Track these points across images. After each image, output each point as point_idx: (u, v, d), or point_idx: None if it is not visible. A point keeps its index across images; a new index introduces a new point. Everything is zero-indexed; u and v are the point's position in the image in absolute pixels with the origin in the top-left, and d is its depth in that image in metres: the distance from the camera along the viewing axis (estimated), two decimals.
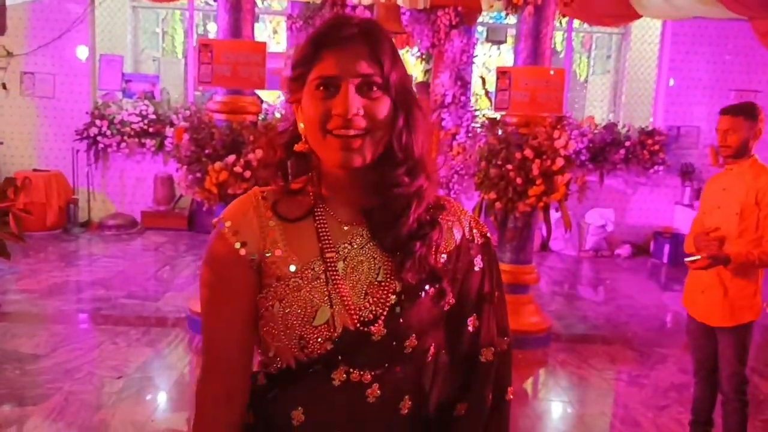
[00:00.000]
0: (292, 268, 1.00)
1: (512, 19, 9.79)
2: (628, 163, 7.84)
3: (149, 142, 7.55)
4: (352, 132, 0.95)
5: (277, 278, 1.00)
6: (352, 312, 0.98)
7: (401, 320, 0.99)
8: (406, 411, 1.03)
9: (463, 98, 7.64)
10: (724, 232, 2.72)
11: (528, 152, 4.09)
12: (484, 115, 8.23)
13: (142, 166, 7.77)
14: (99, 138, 7.47)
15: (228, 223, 1.03)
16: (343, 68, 0.95)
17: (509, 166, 4.11)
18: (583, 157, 7.41)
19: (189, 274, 5.90)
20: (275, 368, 1.02)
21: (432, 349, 1.05)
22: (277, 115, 7.65)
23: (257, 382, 1.06)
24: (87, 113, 7.55)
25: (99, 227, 7.49)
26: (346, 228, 1.03)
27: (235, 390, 1.04)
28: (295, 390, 1.01)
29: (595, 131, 7.80)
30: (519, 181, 4.11)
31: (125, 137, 7.48)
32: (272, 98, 8.77)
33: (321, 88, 0.96)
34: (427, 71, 8.65)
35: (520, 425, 3.31)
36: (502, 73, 4.27)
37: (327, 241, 1.01)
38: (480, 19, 8.01)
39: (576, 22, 8.16)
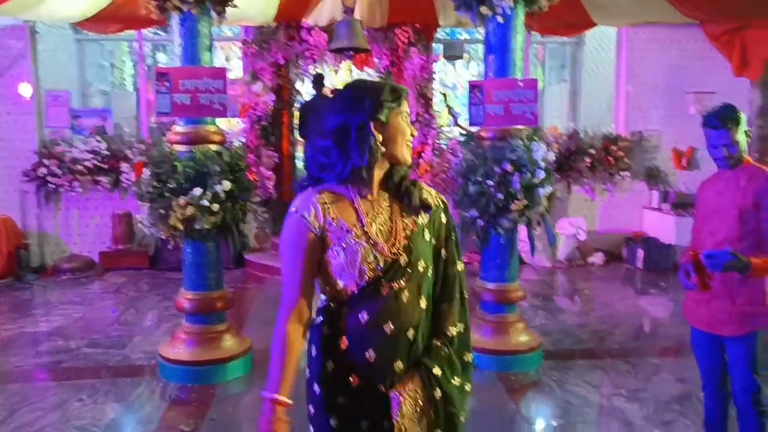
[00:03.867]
0: (346, 229, 1.64)
1: (467, 35, 9.88)
2: (594, 170, 7.84)
3: (104, 179, 7.20)
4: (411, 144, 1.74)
5: (338, 238, 1.64)
6: (386, 252, 1.65)
7: (414, 251, 1.68)
8: (424, 306, 1.71)
9: (426, 116, 7.55)
10: (722, 238, 2.62)
11: (507, 166, 3.95)
12: (457, 132, 8.19)
13: (97, 204, 7.40)
14: (49, 178, 7.09)
15: (300, 211, 1.67)
16: (409, 110, 1.73)
17: (489, 182, 3.96)
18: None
19: (155, 316, 5.57)
20: (345, 295, 1.67)
21: (430, 268, 1.73)
22: (236, 143, 7.40)
23: (331, 308, 1.71)
24: (34, 152, 7.16)
25: (54, 272, 7.08)
26: (372, 202, 1.69)
27: (301, 310, 1.68)
28: (359, 304, 1.65)
29: (560, 140, 7.78)
30: (500, 196, 3.97)
31: (77, 175, 7.12)
32: (229, 125, 8.52)
33: (407, 119, 1.70)
34: None
35: None
36: (474, 87, 4.14)
37: (362, 213, 1.67)
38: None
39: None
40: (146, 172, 3.84)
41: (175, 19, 3.91)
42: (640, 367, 4.26)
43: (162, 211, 3.80)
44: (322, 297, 1.73)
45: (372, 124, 1.62)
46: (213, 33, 4.01)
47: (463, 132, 8.21)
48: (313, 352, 1.70)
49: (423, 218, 1.72)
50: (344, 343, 1.66)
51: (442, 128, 8.05)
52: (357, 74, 10.78)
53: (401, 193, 1.70)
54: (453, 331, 1.73)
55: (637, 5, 6.65)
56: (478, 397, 3.37)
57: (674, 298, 6.45)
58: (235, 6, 4.13)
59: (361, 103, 1.62)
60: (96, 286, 6.70)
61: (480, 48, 11.21)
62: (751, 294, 2.61)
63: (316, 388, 1.69)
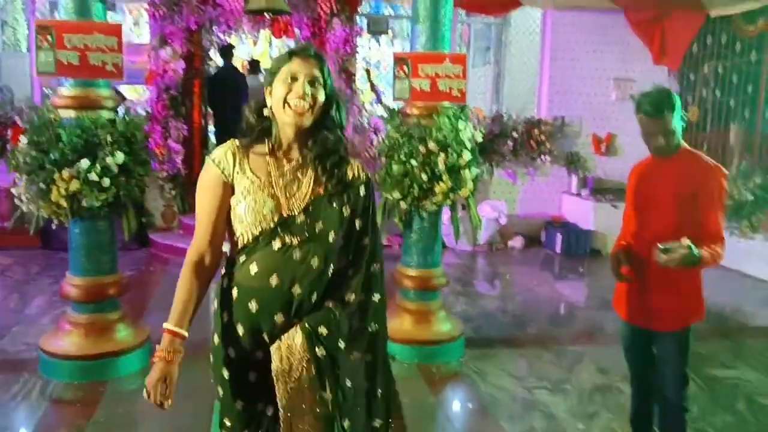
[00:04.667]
0: (251, 180, 1.72)
1: (392, 10, 9.57)
2: (516, 154, 7.77)
3: None
4: (301, 103, 1.69)
5: (243, 187, 1.72)
6: (284, 206, 1.72)
7: (315, 213, 1.73)
8: (315, 266, 1.73)
9: (348, 91, 7.20)
10: (660, 226, 2.47)
11: (432, 146, 3.71)
12: (381, 111, 7.89)
13: None
14: None
15: (214, 158, 1.74)
16: (303, 69, 1.70)
17: (413, 162, 3.70)
18: None
19: (43, 302, 5.01)
20: (241, 244, 1.75)
21: (332, 233, 1.75)
22: (142, 112, 6.81)
23: (230, 259, 1.79)
24: None
25: None
26: (285, 162, 1.76)
27: (204, 251, 1.76)
28: (252, 255, 1.72)
29: (483, 123, 7.65)
30: (424, 177, 3.72)
31: None
32: (136, 95, 7.88)
33: (288, 78, 1.69)
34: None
35: None
36: (399, 59, 3.86)
37: (273, 168, 1.74)
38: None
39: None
40: (23, 140, 3.33)
41: None
42: (563, 356, 4.16)
43: (42, 186, 3.30)
44: (225, 248, 1.81)
45: (266, 92, 1.75)
46: None
47: (386, 109, 7.97)
48: (215, 304, 1.80)
49: (334, 185, 1.76)
50: (234, 293, 1.75)
51: (365, 105, 7.75)
52: (276, 44, 10.30)
53: (315, 156, 1.75)
54: (351, 297, 1.77)
55: None
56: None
57: (591, 283, 6.49)
58: None
59: (266, 75, 1.83)
60: None
61: (405, 25, 10.96)
62: (687, 287, 2.48)
63: (216, 338, 1.78)
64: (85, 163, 3.30)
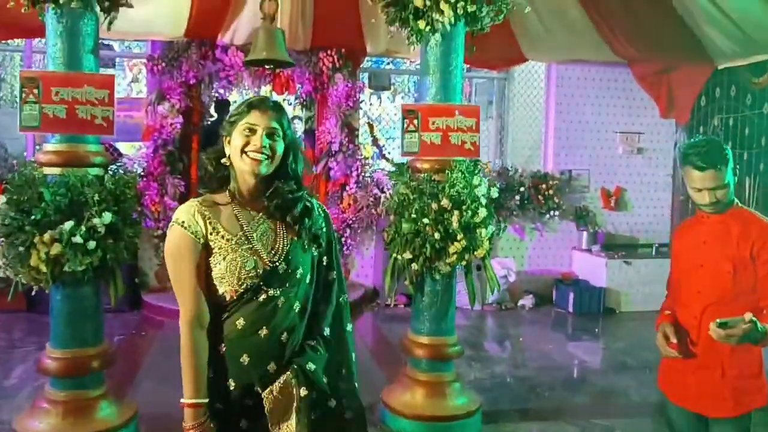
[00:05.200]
0: (227, 238, 1.75)
1: (393, 65, 9.51)
2: (523, 209, 7.53)
3: None
4: (259, 156, 1.75)
5: (219, 247, 1.74)
6: (265, 259, 1.76)
7: (293, 259, 1.80)
8: (298, 311, 1.83)
9: (351, 146, 7.01)
10: (713, 295, 2.19)
11: (445, 203, 3.45)
12: (384, 164, 7.70)
13: None
14: None
15: (183, 222, 1.75)
16: (261, 121, 1.76)
17: (425, 220, 3.44)
18: None
19: (24, 371, 4.65)
20: (224, 301, 1.76)
21: (308, 276, 1.86)
22: (138, 169, 6.59)
23: (212, 315, 1.77)
24: None
25: None
26: (252, 213, 1.81)
27: (201, 315, 1.75)
28: (237, 309, 1.76)
29: (489, 177, 7.43)
30: (437, 236, 3.44)
31: None
32: (133, 150, 7.68)
33: (247, 131, 1.76)
34: (309, 118, 7.98)
35: None
36: (408, 112, 3.64)
37: (244, 222, 1.78)
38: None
39: None
40: (2, 199, 3.06)
41: (50, 15, 3.20)
42: (589, 431, 3.80)
43: (21, 249, 3.02)
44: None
45: (225, 141, 1.80)
46: (120, 51, 3.31)
47: (392, 164, 7.77)
48: None
49: (307, 232, 1.83)
50: (222, 348, 1.76)
51: (367, 160, 7.55)
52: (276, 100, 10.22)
53: (282, 205, 1.79)
54: (327, 331, 1.88)
55: (571, 39, 6.44)
56: None
57: (608, 344, 6.14)
58: (130, 6, 3.47)
59: (224, 124, 1.83)
60: None
61: (407, 80, 10.93)
62: (745, 364, 2.17)
63: None
64: (68, 224, 3.03)
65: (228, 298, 1.74)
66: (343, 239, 7.01)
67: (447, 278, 3.65)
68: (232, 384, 1.74)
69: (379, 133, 8.63)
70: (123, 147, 7.85)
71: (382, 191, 7.08)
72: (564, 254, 7.78)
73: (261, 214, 1.79)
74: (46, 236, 3.00)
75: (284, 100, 10.20)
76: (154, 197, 6.52)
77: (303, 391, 1.72)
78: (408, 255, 3.49)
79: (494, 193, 3.58)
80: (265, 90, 9.15)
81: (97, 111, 3.20)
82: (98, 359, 3.35)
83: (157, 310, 6.24)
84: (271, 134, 1.75)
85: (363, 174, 7.11)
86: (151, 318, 6.22)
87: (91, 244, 3.07)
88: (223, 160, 1.79)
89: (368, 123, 7.83)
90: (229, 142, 1.78)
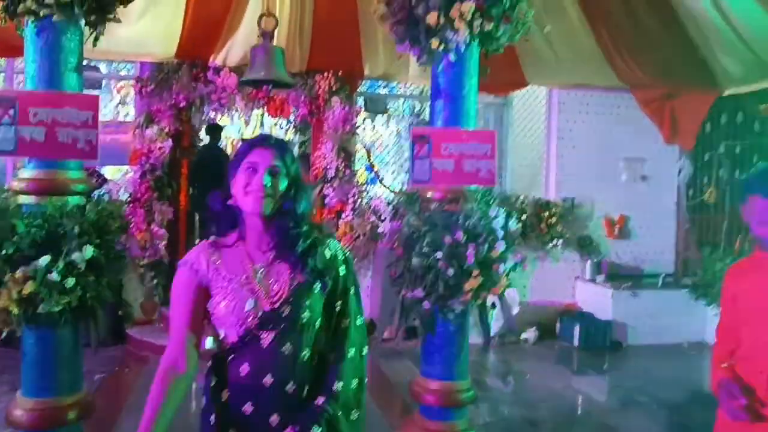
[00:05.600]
0: (228, 279, 1.72)
1: (388, 90, 9.30)
2: (525, 238, 7.26)
3: None
4: (261, 194, 1.70)
5: (221, 287, 1.72)
6: (265, 301, 1.70)
7: (298, 303, 1.71)
8: (306, 358, 1.72)
9: (347, 172, 6.74)
10: None
11: (460, 235, 3.16)
12: (381, 191, 7.43)
13: None
14: None
15: (187, 261, 1.77)
16: (263, 159, 1.73)
17: (438, 254, 3.15)
18: None
19: None
20: (226, 344, 1.72)
21: (318, 321, 1.75)
22: (125, 195, 6.28)
23: (218, 357, 1.75)
24: None
25: None
26: (260, 254, 1.75)
27: (183, 358, 1.71)
28: (241, 353, 1.69)
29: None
30: (450, 272, 3.15)
31: None
32: (119, 174, 7.35)
33: (249, 170, 1.73)
34: (303, 142, 7.71)
35: None
36: (418, 137, 3.38)
37: (249, 264, 1.74)
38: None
39: None
40: None
41: (29, 29, 2.92)
42: None
43: None
44: (210, 344, 1.78)
45: (230, 182, 1.77)
46: (108, 73, 3.03)
47: (390, 191, 7.51)
48: (204, 402, 1.76)
49: (310, 272, 1.73)
50: (225, 395, 1.71)
51: (365, 186, 7.28)
52: (268, 123, 9.95)
53: (288, 244, 1.73)
54: (338, 386, 1.73)
55: (577, 62, 6.26)
56: None
57: (618, 382, 5.84)
58: (117, 21, 3.19)
59: (230, 164, 1.81)
60: None
61: (401, 105, 10.71)
62: None
63: None
64: (44, 259, 2.71)
65: (229, 340, 1.71)
66: None
67: (460, 317, 3.36)
68: None
69: (375, 159, 8.37)
70: (108, 171, 7.55)
71: (380, 219, 6.79)
72: (567, 284, 7.51)
73: (269, 255, 1.75)
74: (19, 273, 2.67)
75: (276, 124, 9.99)
76: (141, 224, 6.19)
77: None
78: (419, 292, 3.19)
79: (513, 225, 3.31)
80: (258, 113, 8.92)
81: (79, 134, 2.90)
82: (75, 409, 2.99)
83: (141, 345, 5.87)
84: (273, 173, 1.72)
85: (360, 201, 6.83)
86: (135, 353, 5.85)
87: (70, 282, 2.74)
88: (229, 202, 1.75)
89: (365, 148, 7.56)
90: (233, 184, 1.75)
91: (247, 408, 1.67)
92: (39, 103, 2.87)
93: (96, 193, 6.71)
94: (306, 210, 1.78)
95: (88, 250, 2.79)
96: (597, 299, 7.07)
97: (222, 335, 1.72)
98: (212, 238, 1.80)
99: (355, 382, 1.75)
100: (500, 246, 3.18)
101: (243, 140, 7.13)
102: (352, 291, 1.82)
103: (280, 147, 1.78)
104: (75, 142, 2.91)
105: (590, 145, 7.59)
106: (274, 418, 1.67)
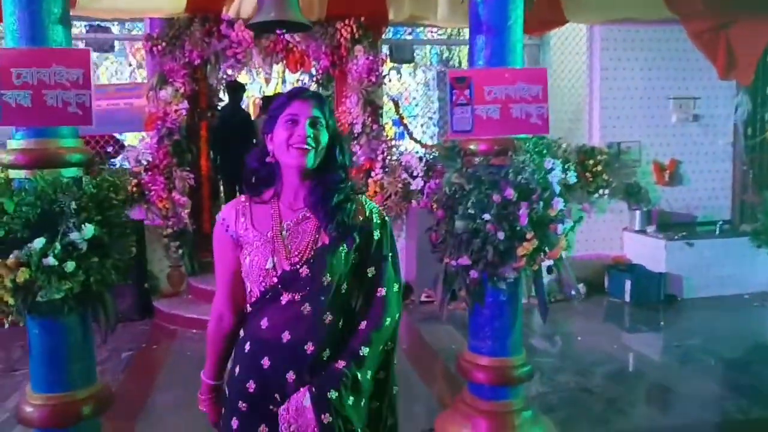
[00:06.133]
0: (255, 235, 1.69)
1: (413, 36, 8.74)
2: (569, 188, 6.76)
3: None
4: (305, 146, 1.64)
5: (248, 243, 1.70)
6: (285, 261, 1.66)
7: (319, 265, 1.65)
8: (328, 321, 1.66)
9: (375, 127, 6.30)
10: None
11: (510, 193, 2.74)
12: (412, 146, 7.01)
13: None
14: None
15: (220, 215, 1.76)
16: (303, 111, 1.67)
17: (485, 216, 2.74)
18: None
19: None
20: (252, 299, 1.73)
21: (344, 285, 1.69)
22: (144, 162, 5.97)
23: (246, 312, 1.76)
24: None
25: None
26: (293, 212, 1.71)
27: (228, 310, 1.79)
28: (262, 309, 1.69)
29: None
30: (500, 236, 2.75)
31: None
32: (136, 142, 7.03)
33: (289, 122, 1.66)
34: (326, 97, 7.27)
35: None
36: (457, 80, 2.92)
37: (278, 221, 1.70)
38: None
39: None
40: None
41: None
42: None
43: None
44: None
45: (266, 138, 1.72)
46: (118, 32, 2.62)
47: (421, 145, 7.06)
48: (233, 355, 1.78)
49: (336, 230, 1.68)
50: (246, 347, 1.71)
51: (393, 142, 6.85)
52: (290, 80, 9.51)
53: (319, 202, 1.68)
54: (365, 351, 1.66)
55: None
56: None
57: (679, 340, 5.41)
58: None
59: (263, 120, 1.78)
60: None
61: (428, 52, 10.15)
62: None
63: (226, 389, 1.78)
64: (39, 242, 2.38)
65: (254, 297, 1.71)
66: None
67: (513, 286, 2.97)
68: (252, 385, 1.68)
69: (403, 111, 7.89)
70: (130, 138, 7.24)
71: (412, 176, 6.38)
72: (614, 236, 7.04)
73: (302, 213, 1.71)
74: (11, 259, 2.35)
75: (298, 80, 9.54)
76: (161, 192, 5.88)
77: (326, 418, 1.57)
78: (465, 260, 2.80)
79: (572, 178, 2.88)
80: (278, 69, 8.47)
81: (70, 96, 2.53)
82: (90, 403, 2.71)
83: (169, 319, 5.62)
84: (314, 124, 1.67)
85: (389, 157, 6.41)
86: (163, 327, 5.61)
87: (70, 266, 2.41)
88: (268, 159, 1.71)
89: (392, 100, 7.09)
90: (271, 139, 1.70)
91: (265, 362, 1.66)
92: (22, 62, 2.50)
93: (116, 161, 6.48)
94: (348, 164, 1.74)
95: (89, 229, 2.45)
96: (648, 251, 6.60)
97: (248, 289, 1.73)
98: (248, 195, 1.77)
99: (383, 348, 1.71)
100: (558, 203, 2.77)
101: (275, 95, 6.68)
102: (389, 258, 1.73)
103: (319, 98, 1.72)
104: (66, 105, 2.54)
105: (636, 85, 7.02)
106: (291, 375, 1.64)
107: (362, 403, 1.65)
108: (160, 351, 5.10)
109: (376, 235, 1.72)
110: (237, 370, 1.72)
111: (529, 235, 2.76)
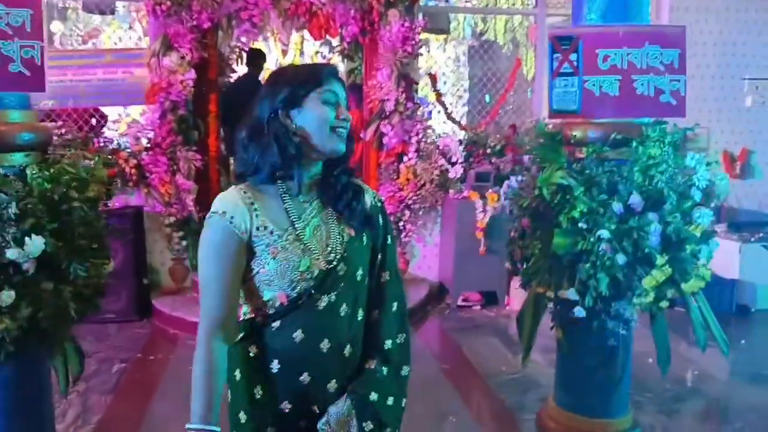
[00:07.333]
0: (277, 234, 1.43)
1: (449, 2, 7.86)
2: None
3: None
4: (344, 131, 1.47)
5: (267, 244, 1.43)
6: (320, 259, 1.45)
7: (352, 259, 1.50)
8: (360, 318, 1.54)
9: (409, 105, 5.47)
10: None
11: (635, 200, 1.93)
12: (450, 128, 6.20)
13: None
14: None
15: (225, 212, 1.42)
16: (340, 90, 1.48)
17: (603, 232, 1.93)
18: None
19: None
20: (271, 308, 1.45)
21: (367, 277, 1.55)
22: (145, 142, 5.21)
23: (255, 323, 1.48)
24: None
25: None
26: (304, 204, 1.48)
27: (226, 325, 1.43)
28: (292, 319, 1.44)
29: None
30: (620, 260, 1.94)
31: None
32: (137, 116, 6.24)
33: (329, 101, 1.45)
34: (353, 70, 6.44)
35: None
36: (560, 40, 2.10)
37: (295, 215, 1.46)
38: None
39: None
40: None
41: None
42: None
43: None
44: (244, 310, 1.51)
45: (282, 114, 1.45)
46: None
47: (460, 127, 6.24)
48: (237, 375, 1.51)
49: (359, 221, 1.54)
50: (274, 367, 1.48)
51: (427, 122, 6.02)
52: (309, 52, 8.65)
53: (337, 193, 1.51)
54: (389, 343, 1.57)
55: None
56: None
57: (747, 356, 4.63)
58: None
59: (277, 91, 1.46)
60: None
61: (462, 23, 9.24)
62: None
63: (243, 416, 1.51)
64: None
65: (276, 304, 1.45)
66: (401, 223, 5.55)
67: (627, 327, 2.16)
68: (287, 406, 1.46)
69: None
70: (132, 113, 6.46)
71: (450, 162, 5.58)
72: None
73: (313, 204, 1.50)
74: None
75: (317, 52, 8.68)
76: (164, 175, 5.11)
77: (368, 426, 1.45)
78: (572, 293, 2.00)
79: (725, 189, 2.07)
80: (296, 39, 7.63)
81: (12, 49, 1.75)
82: None
83: (171, 321, 4.89)
84: (347, 106, 1.51)
85: (425, 140, 5.60)
86: (164, 330, 4.88)
87: (6, 297, 1.65)
88: (295, 139, 1.44)
89: (429, 74, 6.25)
90: (289, 117, 1.44)
91: (304, 378, 1.46)
92: None
93: (108, 138, 5.67)
94: (352, 154, 1.57)
95: (35, 242, 1.68)
96: (719, 255, 5.75)
97: (266, 298, 1.45)
98: (241, 183, 1.49)
99: (402, 338, 1.58)
100: (705, 217, 1.94)
101: (303, 65, 5.89)
102: (389, 241, 1.62)
103: (342, 80, 1.54)
104: (8, 62, 1.76)
105: (707, 61, 6.18)
106: (333, 384, 1.49)
107: (390, 402, 1.51)
108: (158, 363, 4.35)
109: (380, 219, 1.60)
110: (259, 392, 1.47)
111: (660, 261, 1.94)
